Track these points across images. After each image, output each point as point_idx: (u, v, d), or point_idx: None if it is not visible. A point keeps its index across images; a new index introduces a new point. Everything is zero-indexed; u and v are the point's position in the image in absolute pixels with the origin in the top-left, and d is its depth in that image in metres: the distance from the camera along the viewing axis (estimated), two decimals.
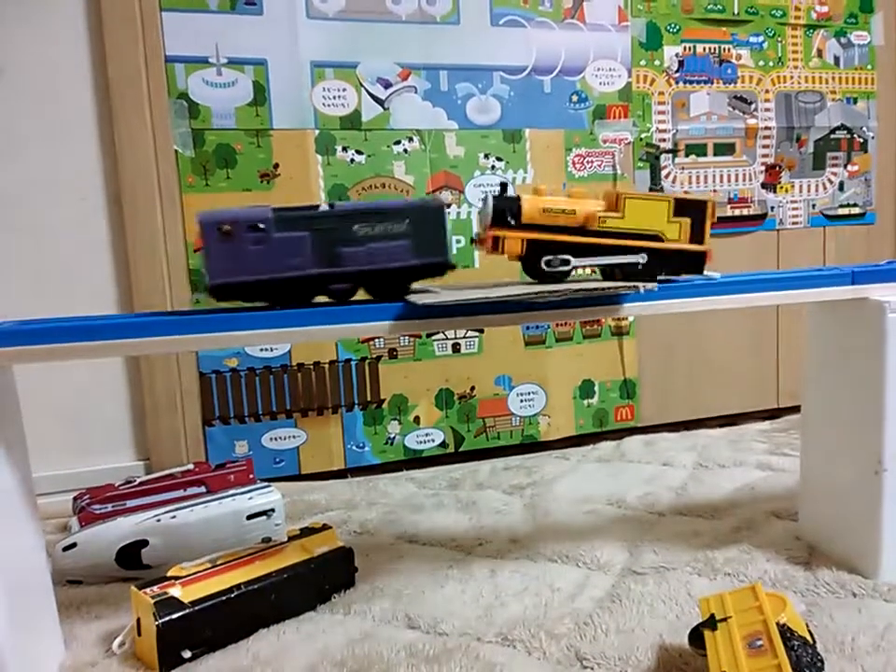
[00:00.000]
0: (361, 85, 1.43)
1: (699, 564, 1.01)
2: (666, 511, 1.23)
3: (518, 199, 0.87)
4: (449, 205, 1.50)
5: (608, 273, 0.92)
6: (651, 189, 1.65)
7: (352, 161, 1.44)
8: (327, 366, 1.47)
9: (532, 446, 1.61)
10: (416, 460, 1.54)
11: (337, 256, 0.80)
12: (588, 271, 0.91)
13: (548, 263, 0.87)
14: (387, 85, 1.45)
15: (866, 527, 0.97)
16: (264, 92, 1.38)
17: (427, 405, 1.54)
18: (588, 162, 1.60)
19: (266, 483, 1.15)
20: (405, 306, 0.81)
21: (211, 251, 0.77)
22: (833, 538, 1.04)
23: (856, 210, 1.83)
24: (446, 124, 1.49)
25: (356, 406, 1.50)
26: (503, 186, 0.92)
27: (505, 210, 0.86)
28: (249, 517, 1.08)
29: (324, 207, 0.82)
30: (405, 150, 1.47)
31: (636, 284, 0.82)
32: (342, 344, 1.47)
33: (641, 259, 0.88)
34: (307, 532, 0.97)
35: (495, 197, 0.87)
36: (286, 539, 0.96)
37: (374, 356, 1.49)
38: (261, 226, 0.77)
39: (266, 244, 0.77)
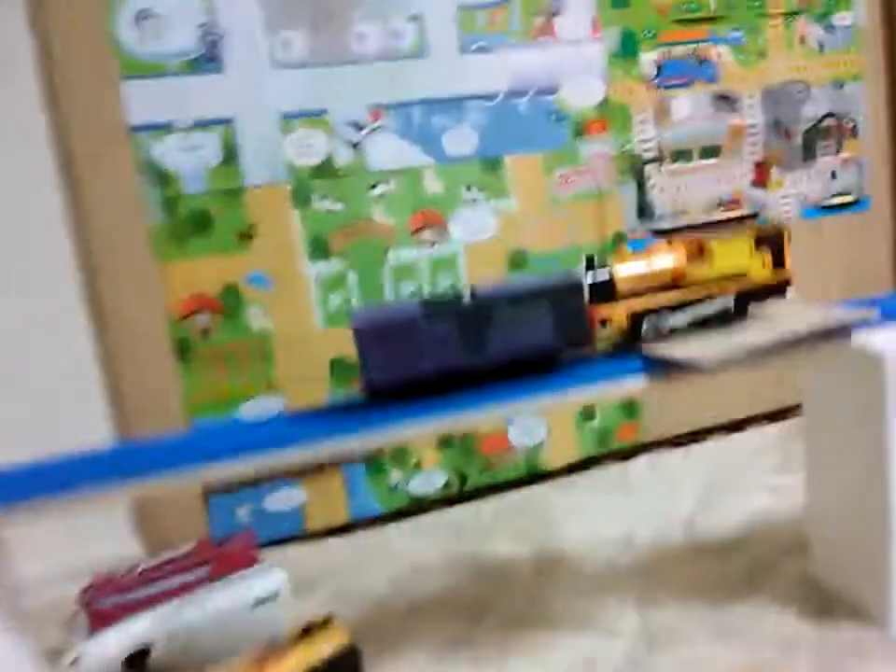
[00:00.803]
0: (332, 131, 1.39)
1: (711, 624, 1.00)
2: (676, 552, 1.22)
3: (611, 275, 0.90)
4: (433, 244, 1.47)
5: (701, 323, 0.94)
6: (639, 200, 1.62)
7: (329, 209, 1.41)
8: None
9: (537, 476, 1.60)
10: (421, 506, 1.53)
11: (483, 343, 0.83)
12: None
13: (650, 328, 0.89)
14: (359, 127, 1.41)
15: (877, 578, 0.96)
16: (234, 150, 1.34)
17: (428, 447, 1.53)
18: (572, 181, 1.56)
19: (269, 564, 1.14)
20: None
21: (367, 351, 0.80)
22: (846, 583, 1.03)
23: (849, 198, 1.79)
24: (423, 160, 1.45)
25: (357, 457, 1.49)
26: (589, 261, 0.92)
27: (603, 290, 0.89)
28: (255, 604, 1.07)
29: (466, 297, 0.84)
30: (382, 193, 1.43)
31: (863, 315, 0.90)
32: (334, 392, 1.45)
33: (729, 304, 0.92)
34: (311, 630, 0.96)
35: (588, 271, 0.89)
36: (287, 642, 0.95)
37: None
38: (412, 322, 0.80)
39: (417, 338, 0.80)
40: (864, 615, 0.98)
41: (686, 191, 1.65)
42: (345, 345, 1.44)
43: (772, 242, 0.95)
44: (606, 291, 0.89)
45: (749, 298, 0.94)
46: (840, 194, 1.78)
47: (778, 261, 0.96)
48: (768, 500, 1.34)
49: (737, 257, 0.93)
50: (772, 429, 1.70)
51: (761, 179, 1.71)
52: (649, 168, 1.62)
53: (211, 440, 0.88)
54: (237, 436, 0.87)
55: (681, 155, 1.64)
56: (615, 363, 0.90)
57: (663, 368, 0.87)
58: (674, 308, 0.91)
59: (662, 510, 1.37)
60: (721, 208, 1.68)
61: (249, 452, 0.81)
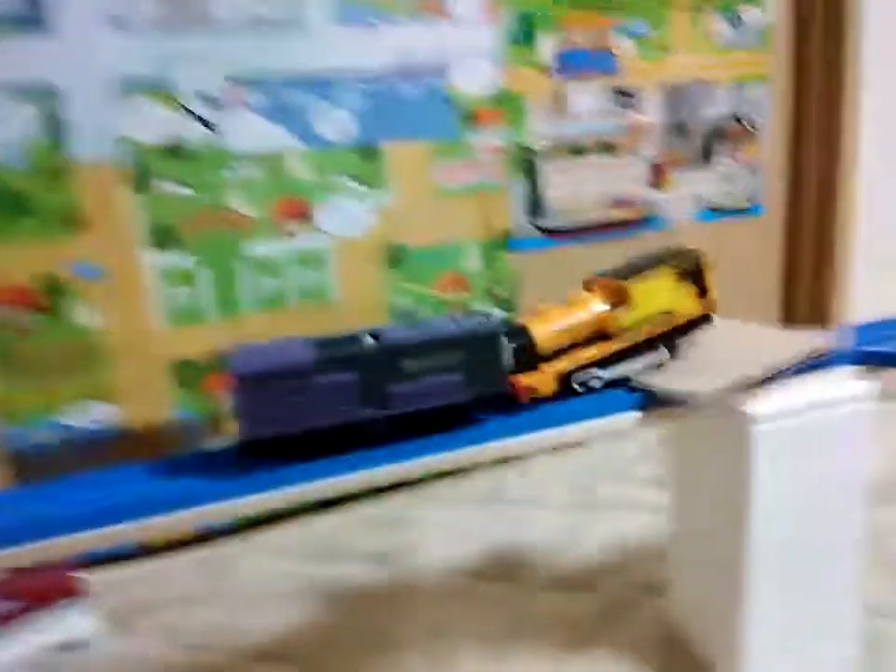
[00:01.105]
0: (183, 106, 1.21)
1: None
2: (536, 584, 1.16)
3: (526, 332, 0.80)
4: (292, 234, 1.32)
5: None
6: (531, 197, 1.51)
7: (177, 194, 1.23)
8: (164, 429, 1.30)
9: (396, 484, 1.50)
10: (271, 517, 1.40)
11: (386, 396, 0.72)
12: None
13: (582, 384, 0.82)
14: (215, 103, 1.23)
15: (729, 640, 0.92)
16: (59, 122, 1.14)
17: None
18: (459, 174, 1.44)
19: (86, 597, 1.01)
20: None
21: (248, 401, 0.68)
22: (699, 638, 0.99)
23: (743, 202, 1.74)
24: (289, 143, 1.29)
25: None
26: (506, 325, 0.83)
27: (521, 354, 0.79)
28: (62, 649, 0.95)
29: (367, 340, 0.72)
30: (241, 177, 1.27)
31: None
32: (182, 401, 1.30)
33: (664, 357, 0.85)
34: None
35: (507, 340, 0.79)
36: None
37: (221, 411, 1.34)
38: (303, 372, 0.68)
39: (308, 390, 0.68)
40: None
41: (580, 189, 1.56)
42: (193, 346, 1.30)
43: (693, 272, 0.91)
44: (526, 356, 0.80)
45: (677, 335, 0.89)
46: (734, 197, 1.73)
47: (701, 291, 0.92)
48: (643, 520, 1.29)
49: (661, 295, 0.88)
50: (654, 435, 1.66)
51: (657, 179, 1.63)
52: (541, 163, 1.51)
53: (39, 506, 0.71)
54: (76, 502, 0.71)
55: (576, 151, 1.54)
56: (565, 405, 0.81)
57: (655, 403, 0.81)
58: (604, 362, 0.84)
59: (526, 529, 1.31)
60: (615, 208, 1.60)
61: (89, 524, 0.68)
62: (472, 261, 1.48)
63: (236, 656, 1.05)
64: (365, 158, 1.35)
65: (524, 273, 1.53)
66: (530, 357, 0.80)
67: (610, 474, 1.50)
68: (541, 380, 0.81)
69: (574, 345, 0.84)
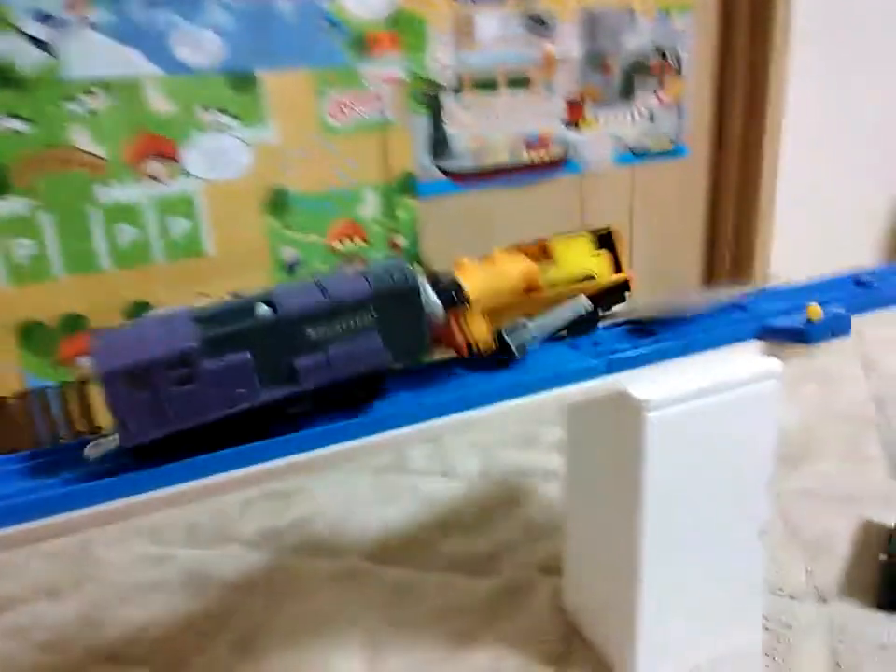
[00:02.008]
0: (13, 26, 1.02)
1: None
2: (430, 564, 1.08)
3: (455, 280, 0.69)
4: (156, 178, 1.16)
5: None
6: (434, 135, 1.37)
7: (9, 130, 1.05)
8: (15, 402, 1.16)
9: None
10: None
11: (292, 373, 0.58)
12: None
13: (511, 335, 0.72)
14: (51, 21, 1.04)
15: (622, 635, 0.85)
16: None
17: None
18: (351, 109, 1.28)
19: None
20: None
21: (121, 404, 0.53)
22: (593, 624, 0.92)
23: (667, 143, 1.64)
24: (145, 69, 1.12)
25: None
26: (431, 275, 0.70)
27: (452, 294, 0.68)
28: None
29: (260, 309, 0.58)
30: (88, 110, 1.09)
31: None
32: (33, 370, 1.15)
33: (588, 305, 0.77)
34: None
35: (433, 285, 0.67)
36: None
37: (81, 378, 1.19)
38: (186, 361, 0.54)
39: (196, 380, 0.55)
40: (606, 662, 0.88)
41: (488, 127, 1.42)
42: (39, 306, 1.15)
43: (607, 244, 0.82)
44: (457, 298, 0.69)
45: (598, 301, 0.80)
46: (657, 138, 1.62)
47: (616, 266, 0.83)
48: (544, 490, 1.22)
49: (582, 258, 0.80)
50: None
51: (573, 118, 1.51)
52: (445, 98, 1.36)
53: None
54: None
55: (485, 84, 1.39)
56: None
57: None
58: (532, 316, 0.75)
59: (428, 502, 1.22)
60: (526, 149, 1.47)
61: None
62: (369, 208, 1.34)
63: (88, 657, 0.95)
64: (238, 88, 1.18)
65: (427, 221, 1.40)
66: (460, 301, 0.69)
67: (523, 437, 1.41)
68: (479, 331, 0.71)
69: (504, 302, 0.74)
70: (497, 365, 0.74)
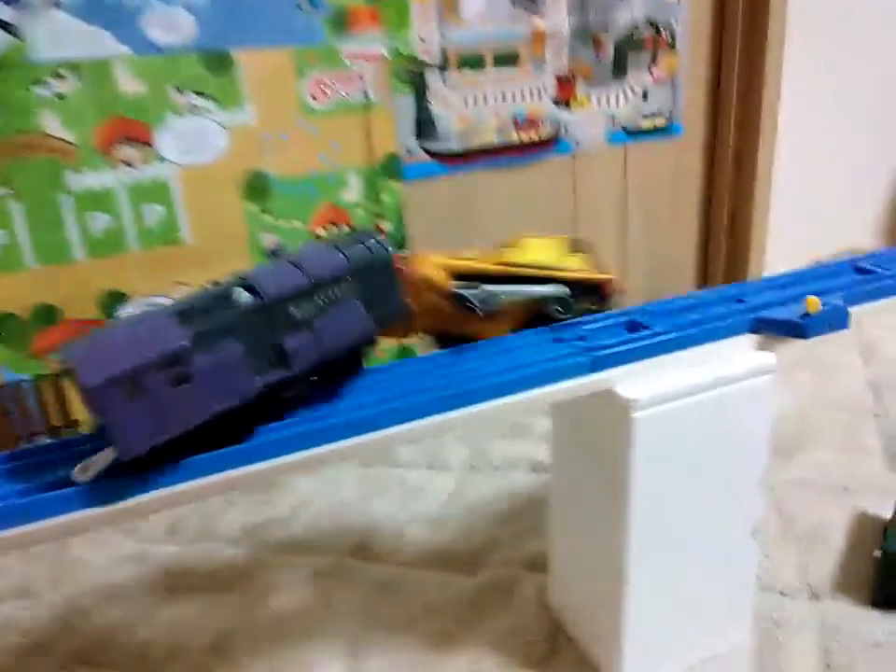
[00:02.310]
0: None
1: None
2: (415, 559, 1.05)
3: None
4: (128, 163, 1.11)
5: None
6: (418, 116, 1.32)
7: None
8: None
9: None
10: None
11: (282, 354, 0.57)
12: None
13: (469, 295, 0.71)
14: (16, 2, 0.99)
15: (609, 637, 0.83)
16: None
17: None
18: (332, 89, 1.23)
19: None
20: None
21: (116, 417, 0.49)
22: (579, 623, 0.90)
23: (661, 121, 1.59)
24: (114, 50, 1.07)
25: (41, 436, 1.18)
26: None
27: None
28: None
29: (241, 295, 0.55)
30: (56, 94, 1.05)
31: None
32: (6, 363, 1.12)
33: (559, 292, 0.75)
34: None
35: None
36: None
37: (56, 371, 1.16)
38: (180, 361, 0.51)
39: (192, 379, 0.52)
40: (591, 664, 0.86)
41: (476, 107, 1.38)
42: (11, 298, 1.11)
43: (583, 251, 0.82)
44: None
45: (576, 294, 0.78)
46: (651, 116, 1.57)
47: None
48: (531, 482, 1.20)
49: (554, 251, 0.79)
50: None
51: (564, 96, 1.46)
52: (430, 76, 1.31)
53: None
54: None
55: (471, 61, 1.34)
56: None
57: None
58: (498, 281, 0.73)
59: (414, 496, 1.20)
60: (517, 129, 1.43)
61: None
62: (352, 192, 1.30)
63: (61, 660, 0.92)
64: (213, 68, 1.13)
65: (413, 205, 1.36)
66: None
67: (511, 426, 1.38)
68: (438, 276, 0.71)
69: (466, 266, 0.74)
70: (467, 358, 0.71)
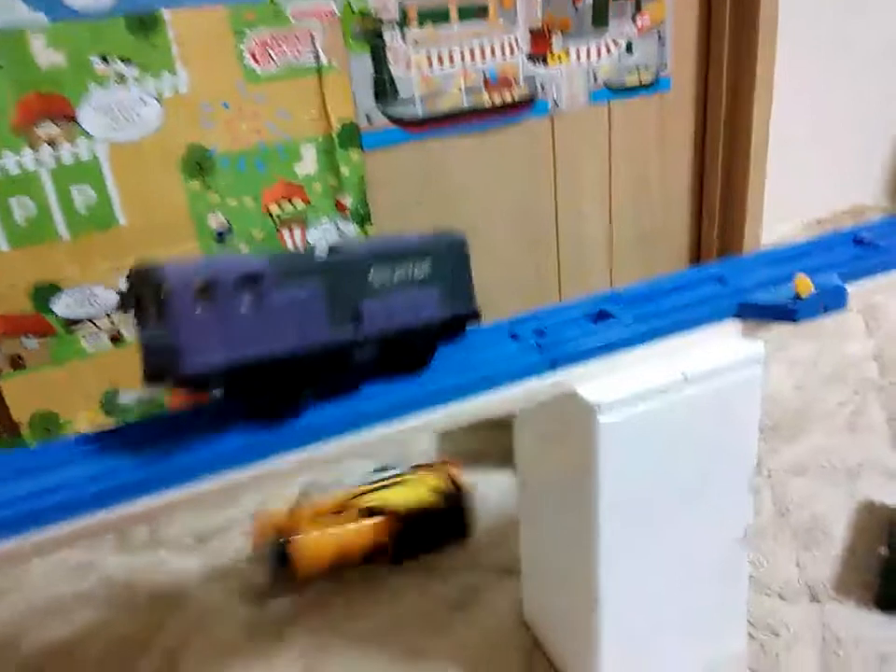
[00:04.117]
0: None
1: None
2: (381, 569, 0.97)
3: None
4: (51, 143, 1.01)
5: None
6: (377, 78, 1.21)
7: None
8: None
9: None
10: None
11: (357, 316, 0.58)
12: None
13: None
14: None
15: (585, 655, 0.74)
16: None
17: (92, 415, 1.15)
18: (276, 50, 1.12)
19: None
20: None
21: (185, 324, 0.50)
22: (555, 642, 0.82)
23: (647, 76, 1.47)
24: (26, 17, 0.95)
25: None
26: None
27: None
28: None
29: (322, 251, 0.59)
30: None
31: None
32: None
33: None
34: None
35: None
36: None
37: None
38: (257, 281, 0.52)
39: (264, 306, 0.53)
40: None
41: (441, 66, 1.26)
42: None
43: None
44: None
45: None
46: (636, 71, 1.45)
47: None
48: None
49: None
50: None
51: (539, 51, 1.33)
52: (389, 33, 1.19)
53: None
54: None
55: (433, 16, 1.22)
56: None
57: None
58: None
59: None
60: (487, 90, 1.31)
61: None
62: (307, 165, 1.19)
63: None
64: (138, 32, 1.02)
65: (375, 177, 1.25)
66: None
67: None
68: None
69: None
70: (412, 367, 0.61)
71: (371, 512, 0.92)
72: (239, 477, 0.53)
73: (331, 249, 0.60)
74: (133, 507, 0.51)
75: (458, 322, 0.63)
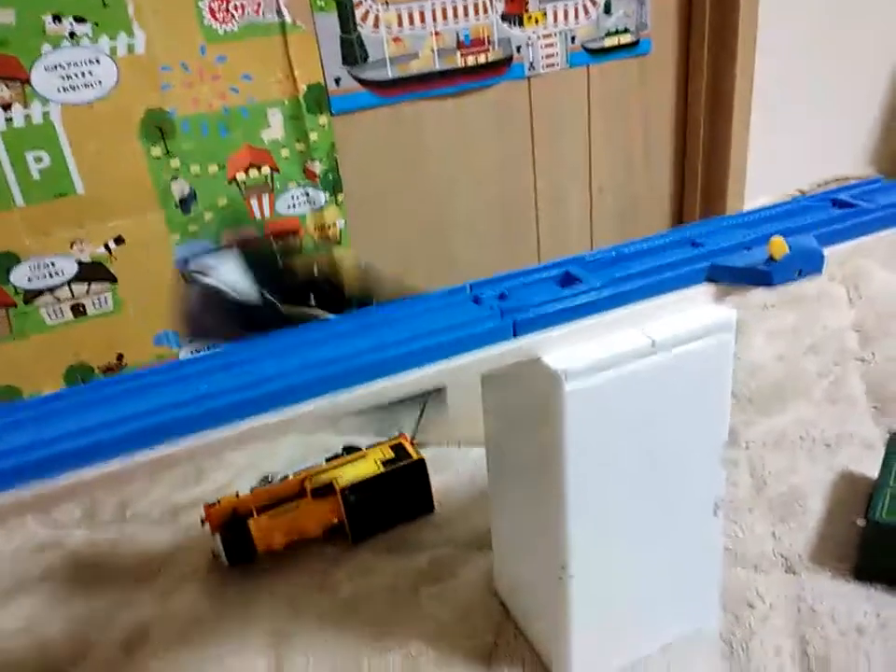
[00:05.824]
0: None
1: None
2: (347, 543, 0.95)
3: None
4: (2, 106, 0.96)
5: None
6: (345, 38, 1.16)
7: None
8: None
9: None
10: None
11: None
12: None
13: None
14: None
15: (555, 628, 0.73)
16: None
17: (56, 390, 1.12)
18: (237, 8, 1.07)
19: None
20: None
21: None
22: (525, 614, 0.80)
23: (627, 38, 1.42)
24: None
25: None
26: None
27: None
28: None
29: None
30: None
31: None
32: None
33: None
34: None
35: None
36: None
37: None
38: None
39: None
40: (541, 658, 0.77)
41: (412, 27, 1.21)
42: None
43: None
44: None
45: None
46: (615, 33, 1.41)
47: None
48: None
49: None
50: None
51: (514, 11, 1.29)
52: None
53: None
54: None
55: None
56: None
57: None
58: None
59: None
60: (461, 52, 1.26)
61: None
62: (274, 130, 1.15)
63: None
64: None
65: (346, 142, 1.21)
66: None
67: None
68: None
69: None
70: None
71: (322, 492, 0.90)
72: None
73: None
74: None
75: None
